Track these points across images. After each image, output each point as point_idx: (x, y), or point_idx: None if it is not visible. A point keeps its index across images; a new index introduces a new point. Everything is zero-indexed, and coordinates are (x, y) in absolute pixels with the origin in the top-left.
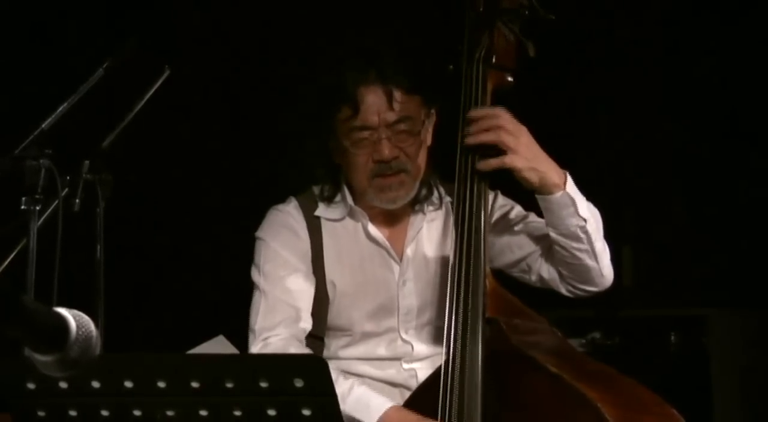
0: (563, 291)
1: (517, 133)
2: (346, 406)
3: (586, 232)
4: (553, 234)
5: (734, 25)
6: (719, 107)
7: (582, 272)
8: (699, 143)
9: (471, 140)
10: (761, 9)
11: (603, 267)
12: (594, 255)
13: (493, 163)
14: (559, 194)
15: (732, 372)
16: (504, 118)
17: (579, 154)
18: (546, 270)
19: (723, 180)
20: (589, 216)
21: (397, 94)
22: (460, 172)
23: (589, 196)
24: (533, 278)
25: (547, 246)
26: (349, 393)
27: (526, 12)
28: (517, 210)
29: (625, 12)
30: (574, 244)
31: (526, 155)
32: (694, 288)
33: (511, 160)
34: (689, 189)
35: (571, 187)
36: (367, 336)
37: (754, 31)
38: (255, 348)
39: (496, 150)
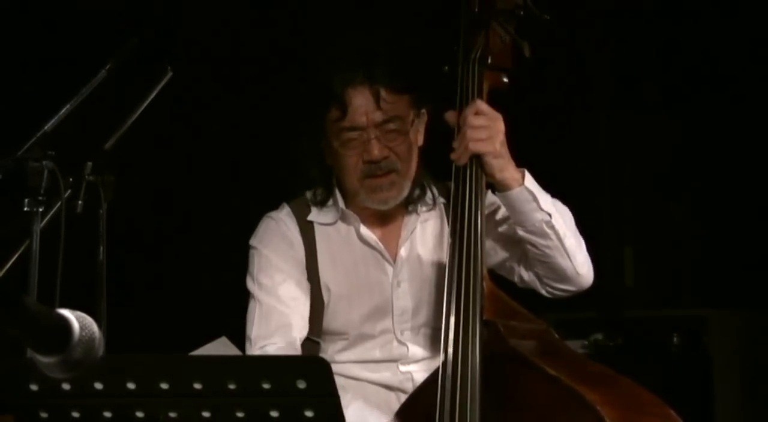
0: (543, 292)
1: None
2: None
3: (552, 228)
4: (521, 232)
5: (734, 25)
6: (719, 107)
7: (556, 271)
8: (699, 143)
9: (464, 155)
10: (761, 9)
11: (577, 265)
12: (565, 252)
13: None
14: (518, 189)
15: (733, 372)
16: (496, 127)
17: (579, 154)
18: (525, 272)
19: (723, 180)
20: (554, 211)
21: (385, 94)
22: (458, 171)
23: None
24: (516, 279)
25: (525, 248)
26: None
27: (522, 12)
28: (503, 210)
29: (625, 11)
30: (542, 241)
31: (497, 144)
32: (694, 289)
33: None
34: (689, 189)
35: (530, 183)
36: (362, 338)
37: (754, 31)
38: None
39: None
